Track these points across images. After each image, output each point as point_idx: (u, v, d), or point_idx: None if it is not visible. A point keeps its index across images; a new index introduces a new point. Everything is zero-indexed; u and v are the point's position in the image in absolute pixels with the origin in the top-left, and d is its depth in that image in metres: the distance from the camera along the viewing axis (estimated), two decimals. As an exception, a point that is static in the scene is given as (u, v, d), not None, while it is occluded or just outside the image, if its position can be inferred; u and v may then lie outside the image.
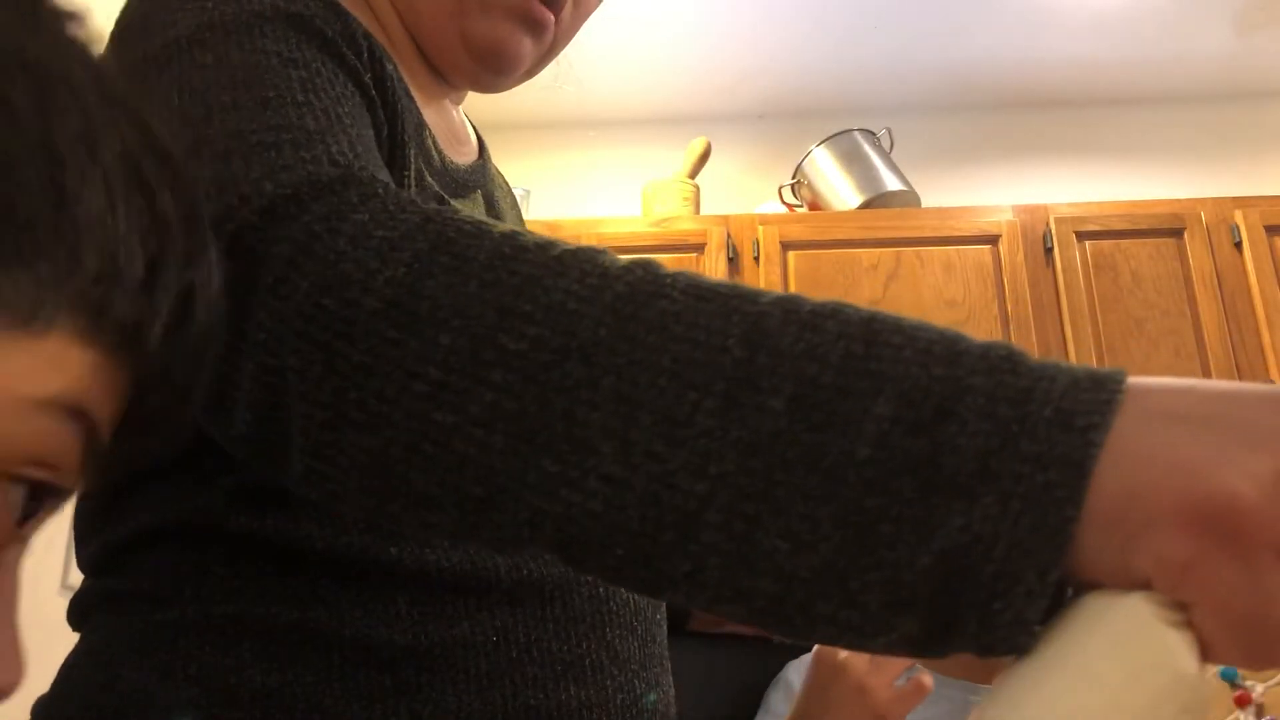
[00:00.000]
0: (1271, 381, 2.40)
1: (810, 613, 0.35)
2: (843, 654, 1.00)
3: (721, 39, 2.86)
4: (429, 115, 0.67)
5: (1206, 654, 0.32)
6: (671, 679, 0.65)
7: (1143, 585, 0.32)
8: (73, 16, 0.33)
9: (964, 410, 0.34)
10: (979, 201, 2.78)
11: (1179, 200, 2.64)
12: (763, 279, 2.56)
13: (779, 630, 0.36)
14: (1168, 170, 3.01)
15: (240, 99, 0.48)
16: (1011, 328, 2.50)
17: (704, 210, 2.82)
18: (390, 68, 0.59)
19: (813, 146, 2.81)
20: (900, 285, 2.54)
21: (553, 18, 0.68)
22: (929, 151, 3.04)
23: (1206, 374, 2.42)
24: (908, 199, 2.73)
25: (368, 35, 0.58)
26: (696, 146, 2.86)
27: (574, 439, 0.37)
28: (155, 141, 0.33)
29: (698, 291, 0.38)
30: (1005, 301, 2.53)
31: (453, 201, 0.66)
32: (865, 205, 2.69)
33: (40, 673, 0.47)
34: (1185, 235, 2.56)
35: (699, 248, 2.61)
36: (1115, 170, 3.03)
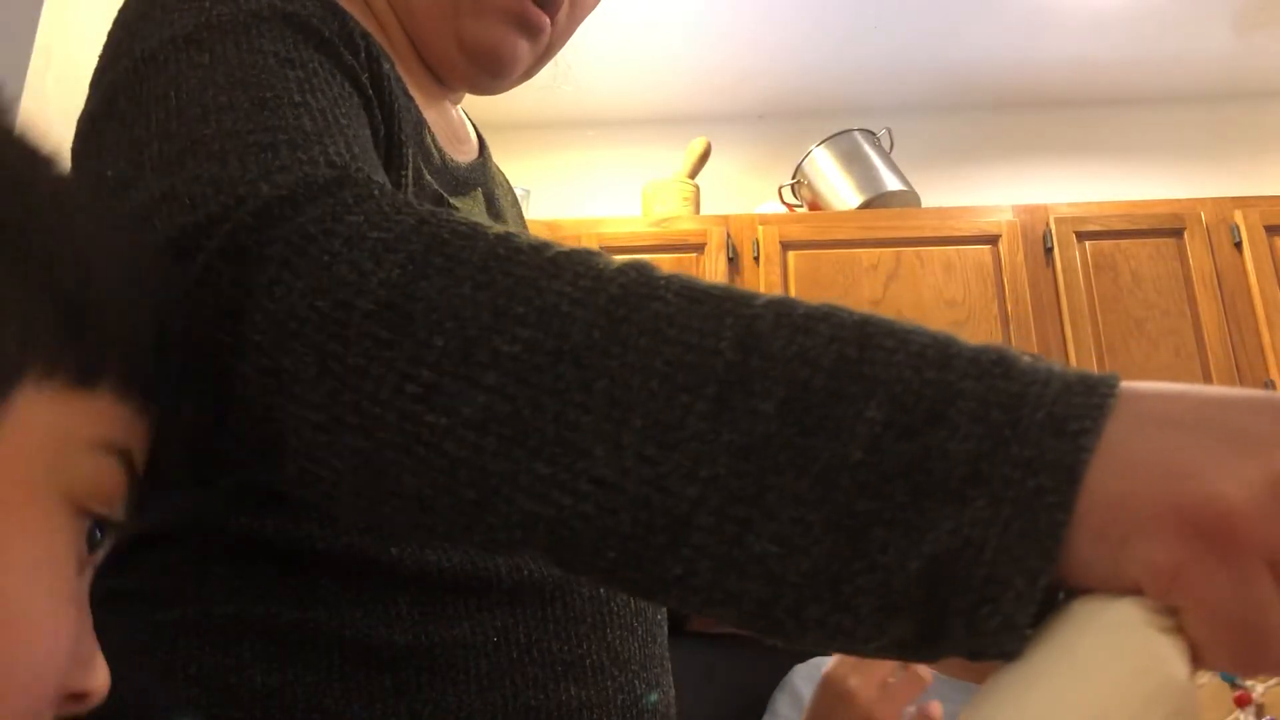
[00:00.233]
0: (1271, 381, 2.40)
1: (801, 617, 0.35)
2: (852, 680, 0.99)
3: (721, 39, 2.86)
4: (429, 114, 0.67)
5: (1197, 659, 0.32)
6: (672, 679, 0.65)
7: (1134, 590, 0.32)
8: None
9: (955, 414, 0.34)
10: (979, 201, 2.79)
11: (1179, 200, 2.64)
12: (763, 279, 2.56)
13: (770, 634, 0.36)
14: (1167, 170, 3.02)
15: (237, 99, 0.48)
16: (1011, 328, 2.50)
17: (704, 210, 2.82)
18: (388, 67, 0.59)
19: (813, 146, 2.81)
20: (900, 285, 2.54)
21: (548, 20, 0.68)
22: (929, 151, 3.04)
23: (1206, 374, 2.43)
24: (908, 199, 2.73)
25: (365, 35, 0.58)
26: (696, 146, 2.86)
27: (566, 442, 0.37)
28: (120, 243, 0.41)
29: (691, 294, 0.38)
30: (1005, 301, 2.53)
31: (453, 199, 0.66)
32: (865, 205, 2.69)
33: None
34: (1185, 235, 2.56)
35: (699, 248, 2.61)
36: (1115, 170, 3.03)
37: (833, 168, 2.77)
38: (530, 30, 0.68)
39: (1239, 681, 1.21)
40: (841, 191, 2.74)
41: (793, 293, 2.53)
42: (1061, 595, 0.34)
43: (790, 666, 1.33)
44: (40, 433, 0.35)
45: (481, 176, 0.75)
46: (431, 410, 0.38)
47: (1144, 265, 2.54)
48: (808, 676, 1.24)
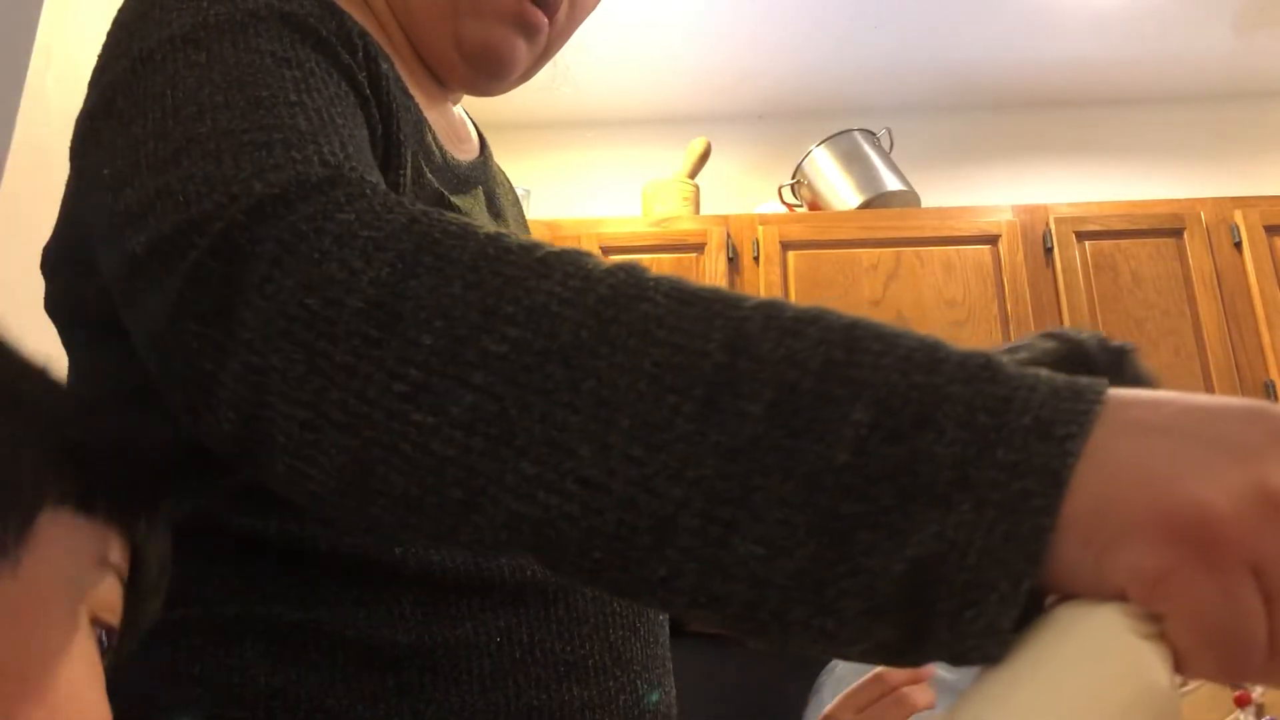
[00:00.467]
0: (1271, 382, 2.40)
1: (786, 620, 0.35)
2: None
3: (721, 39, 2.86)
4: (429, 113, 0.67)
5: (1180, 666, 0.32)
6: (673, 679, 0.65)
7: (1117, 596, 0.32)
8: None
9: (942, 418, 0.34)
10: (979, 201, 2.79)
11: (1179, 200, 2.64)
12: (763, 279, 2.56)
13: (755, 637, 0.36)
14: (1167, 170, 3.02)
15: (233, 98, 0.48)
16: (1011, 328, 2.50)
17: (704, 210, 2.82)
18: (386, 66, 0.59)
19: (813, 146, 2.81)
20: (900, 285, 2.54)
21: (546, 20, 0.68)
22: (929, 151, 3.04)
23: (1206, 374, 2.43)
24: (908, 199, 2.73)
25: (363, 34, 0.58)
26: (696, 146, 2.86)
27: (553, 442, 0.37)
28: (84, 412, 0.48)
29: (680, 295, 0.38)
30: (1005, 301, 2.53)
31: (454, 197, 0.66)
32: (865, 205, 2.69)
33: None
34: (1185, 235, 2.56)
35: (699, 248, 2.61)
36: (1115, 170, 3.03)
37: (833, 168, 2.77)
38: (528, 30, 0.68)
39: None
40: (841, 191, 2.74)
41: (792, 292, 2.54)
42: (1049, 601, 0.34)
43: (788, 669, 1.33)
44: (61, 550, 0.41)
45: (483, 175, 0.75)
46: (419, 409, 0.38)
47: (1144, 265, 2.54)
48: (834, 687, 1.22)
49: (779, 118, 3.15)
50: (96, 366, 0.60)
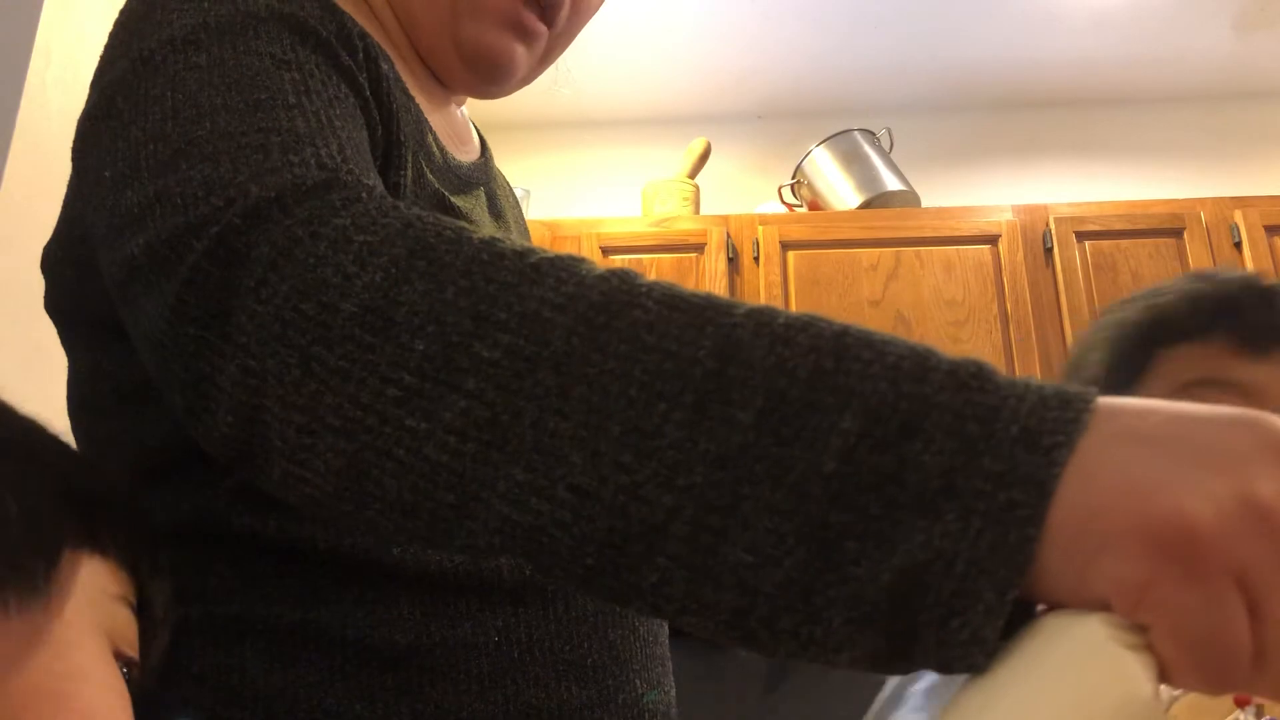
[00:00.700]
0: (1271, 381, 2.40)
1: (774, 627, 0.35)
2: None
3: (721, 39, 2.86)
4: (431, 114, 0.67)
5: (1164, 676, 0.32)
6: (673, 679, 0.65)
7: (1102, 606, 0.32)
8: None
9: (930, 427, 0.34)
10: (979, 201, 2.79)
11: (1178, 200, 2.64)
12: (763, 279, 2.56)
13: (745, 644, 0.36)
14: (1167, 170, 3.02)
15: (232, 101, 0.48)
16: (1011, 328, 2.50)
17: (704, 210, 2.82)
18: (387, 68, 0.59)
19: (813, 146, 2.81)
20: (900, 285, 2.54)
21: (544, 26, 0.68)
22: (929, 151, 3.04)
23: (1206, 374, 2.42)
24: (908, 199, 2.73)
25: (364, 35, 0.58)
26: (696, 146, 2.86)
27: (544, 448, 0.37)
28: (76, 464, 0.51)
29: (672, 302, 0.38)
30: (1005, 301, 2.53)
31: (455, 198, 0.66)
32: (865, 205, 2.69)
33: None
34: (1185, 235, 2.56)
35: (699, 248, 2.60)
36: (1115, 170, 3.04)
37: (832, 168, 2.77)
38: (526, 35, 0.68)
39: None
40: (841, 191, 2.74)
41: (792, 292, 2.54)
42: (1039, 610, 0.34)
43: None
44: (82, 586, 0.45)
45: (484, 176, 0.75)
46: (412, 415, 0.38)
47: (1144, 265, 2.54)
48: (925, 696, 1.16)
49: (779, 118, 3.15)
50: (96, 366, 0.60)
